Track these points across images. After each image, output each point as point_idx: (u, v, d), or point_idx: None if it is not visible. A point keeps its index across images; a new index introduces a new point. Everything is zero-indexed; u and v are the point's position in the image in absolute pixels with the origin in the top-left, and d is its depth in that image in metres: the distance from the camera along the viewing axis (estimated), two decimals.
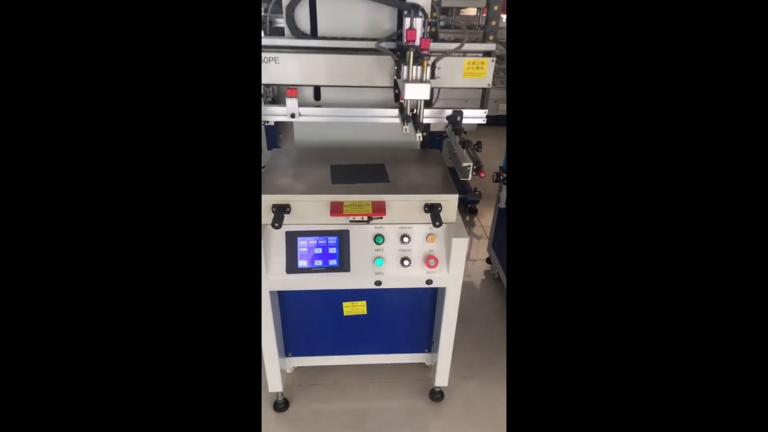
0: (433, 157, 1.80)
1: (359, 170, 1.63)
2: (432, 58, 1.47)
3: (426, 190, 1.51)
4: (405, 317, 1.79)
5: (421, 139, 1.58)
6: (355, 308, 1.72)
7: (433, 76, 1.51)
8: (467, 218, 3.38)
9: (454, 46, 1.54)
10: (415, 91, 1.37)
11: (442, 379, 1.81)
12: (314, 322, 1.77)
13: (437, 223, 1.42)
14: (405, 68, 1.39)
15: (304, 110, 1.74)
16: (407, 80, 1.38)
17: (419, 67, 1.38)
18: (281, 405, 1.82)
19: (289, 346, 1.82)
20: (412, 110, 1.53)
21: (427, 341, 1.86)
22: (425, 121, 1.81)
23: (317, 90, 1.79)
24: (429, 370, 1.98)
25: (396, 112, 1.75)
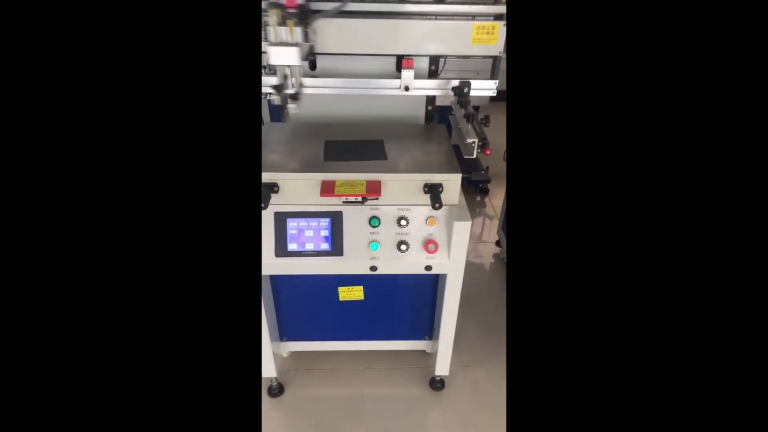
0: (437, 132, 1.66)
1: (355, 147, 1.51)
2: (307, 19, 1.31)
3: (426, 169, 1.38)
4: (405, 303, 1.69)
5: (296, 111, 1.43)
6: (351, 293, 1.63)
7: (306, 39, 1.35)
8: (478, 198, 3.23)
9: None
10: (283, 56, 1.23)
11: (442, 368, 1.72)
12: (308, 307, 1.69)
13: (437, 206, 1.30)
14: (271, 29, 1.23)
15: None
16: (273, 43, 1.23)
17: (286, 28, 1.22)
18: (275, 390, 1.76)
19: (284, 331, 1.75)
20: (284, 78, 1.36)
21: (428, 328, 1.77)
22: (429, 93, 1.67)
23: (312, 59, 1.66)
24: (430, 357, 1.89)
25: (398, 83, 1.61)
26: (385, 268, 1.43)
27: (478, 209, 3.14)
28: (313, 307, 1.69)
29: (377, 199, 1.36)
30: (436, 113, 1.83)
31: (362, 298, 1.64)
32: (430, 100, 1.76)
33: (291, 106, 1.40)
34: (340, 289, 1.62)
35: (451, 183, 1.38)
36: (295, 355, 1.91)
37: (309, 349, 1.82)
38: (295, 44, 1.25)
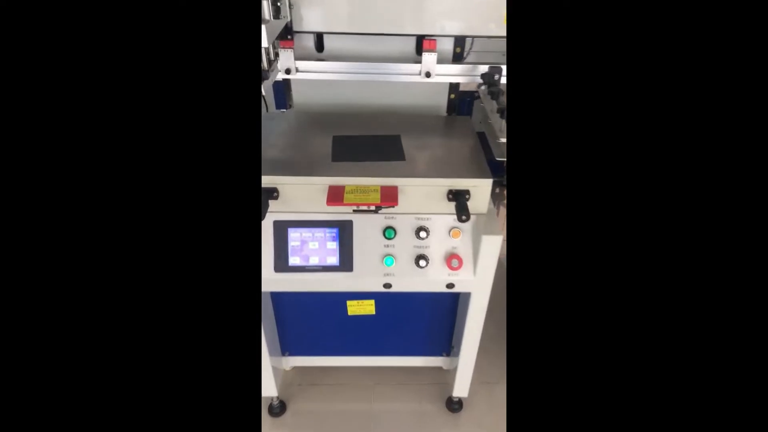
0: (461, 126, 1.45)
1: (368, 143, 1.30)
2: None
3: (451, 173, 1.18)
4: (421, 318, 1.52)
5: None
6: (361, 307, 1.46)
7: (278, 15, 1.17)
8: (497, 190, 3.01)
9: None
10: None
11: (461, 389, 1.55)
12: (313, 321, 1.52)
13: (464, 218, 1.11)
14: None
15: (302, 64, 1.40)
16: None
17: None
18: (277, 409, 1.61)
19: (286, 345, 1.59)
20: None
21: (446, 344, 1.60)
22: (453, 80, 1.45)
23: (319, 39, 1.44)
24: (446, 373, 1.72)
25: (417, 68, 1.39)
26: (400, 286, 1.25)
27: (496, 202, 2.93)
28: (319, 322, 1.52)
29: (393, 207, 1.16)
30: (458, 102, 1.61)
31: (373, 312, 1.47)
32: (453, 87, 1.54)
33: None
34: (349, 303, 1.44)
35: (480, 189, 1.18)
36: (298, 369, 1.76)
37: (313, 364, 1.66)
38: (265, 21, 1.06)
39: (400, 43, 1.43)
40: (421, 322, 1.52)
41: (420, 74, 1.40)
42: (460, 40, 1.44)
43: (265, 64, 1.25)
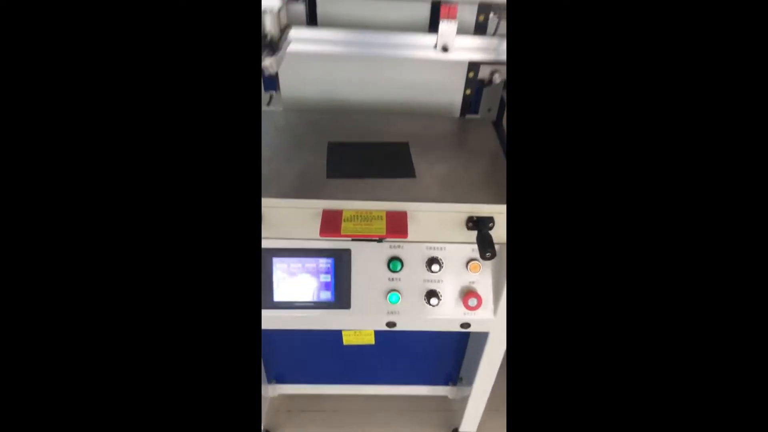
0: (479, 131, 1.22)
1: (371, 154, 1.08)
2: None
3: (471, 196, 0.96)
4: (427, 348, 1.34)
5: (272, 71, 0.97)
6: (358, 338, 1.27)
7: None
8: None
9: None
10: None
11: (471, 423, 1.39)
12: (303, 349, 1.33)
13: (488, 254, 0.90)
14: None
15: (290, 33, 1.13)
16: None
17: None
18: None
19: (272, 372, 1.41)
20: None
21: (452, 374, 1.43)
22: (476, 56, 1.15)
23: (311, 3, 1.16)
24: (451, 401, 1.56)
25: (432, 39, 1.11)
26: (406, 324, 1.06)
27: None
28: (310, 349, 1.34)
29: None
30: (473, 98, 1.35)
31: (372, 342, 1.28)
32: (470, 81, 1.29)
33: (265, 64, 0.94)
34: (344, 332, 1.26)
35: (506, 216, 0.97)
36: (286, 394, 1.58)
37: (303, 392, 1.49)
38: None
39: (410, 9, 1.16)
40: (426, 351, 1.35)
41: (435, 47, 1.12)
42: (484, 8, 1.16)
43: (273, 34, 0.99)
